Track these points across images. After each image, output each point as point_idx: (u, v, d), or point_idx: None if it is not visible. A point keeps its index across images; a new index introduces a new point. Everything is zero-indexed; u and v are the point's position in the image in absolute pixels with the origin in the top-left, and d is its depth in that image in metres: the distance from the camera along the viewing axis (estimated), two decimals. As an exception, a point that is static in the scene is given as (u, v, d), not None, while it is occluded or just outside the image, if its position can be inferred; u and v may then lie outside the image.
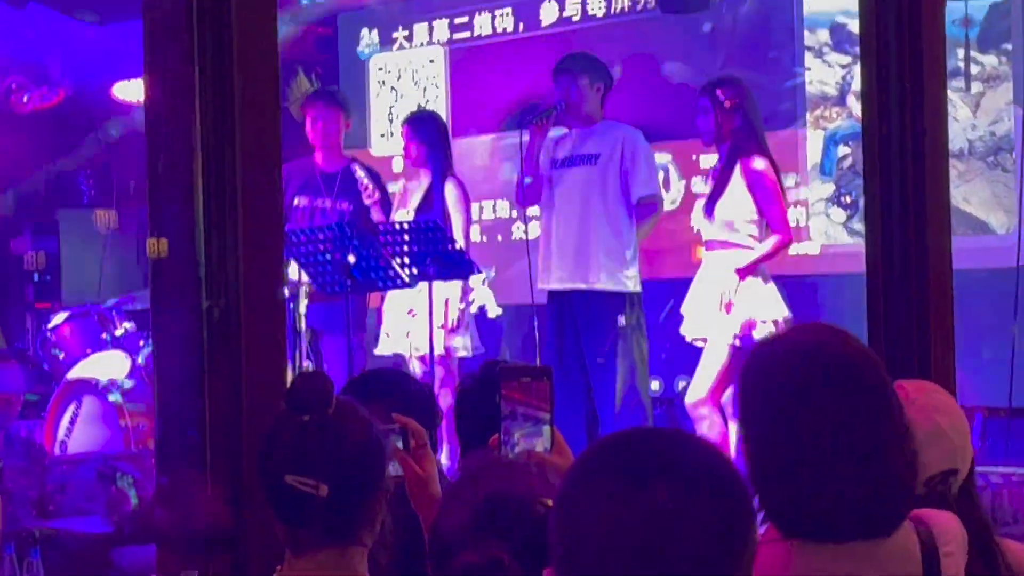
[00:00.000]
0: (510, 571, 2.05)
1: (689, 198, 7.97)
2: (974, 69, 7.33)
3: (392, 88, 9.59)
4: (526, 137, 6.78)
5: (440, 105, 9.16)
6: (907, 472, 2.12)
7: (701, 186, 7.88)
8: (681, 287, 6.82)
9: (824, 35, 7.86)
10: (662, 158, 7.77)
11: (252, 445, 3.32)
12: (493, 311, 7.60)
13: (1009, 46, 7.26)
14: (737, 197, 6.40)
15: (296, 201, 7.12)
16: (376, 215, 7.04)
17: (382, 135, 9.61)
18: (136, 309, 7.68)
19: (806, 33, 7.90)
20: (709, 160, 7.81)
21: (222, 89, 3.43)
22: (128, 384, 7.20)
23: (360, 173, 7.09)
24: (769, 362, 2.17)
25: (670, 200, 7.92)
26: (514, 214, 8.80)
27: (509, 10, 8.98)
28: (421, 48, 9.41)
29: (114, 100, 9.60)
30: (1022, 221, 6.45)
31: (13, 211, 9.68)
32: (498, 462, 2.36)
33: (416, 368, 7.03)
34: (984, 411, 6.87)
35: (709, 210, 6.49)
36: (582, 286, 6.66)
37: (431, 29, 9.36)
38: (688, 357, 6.71)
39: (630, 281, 6.63)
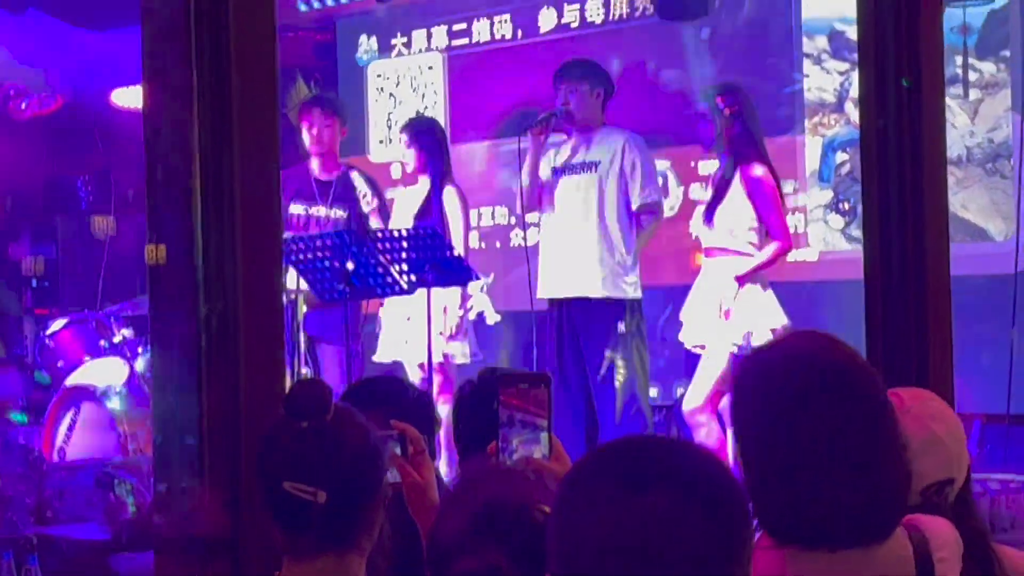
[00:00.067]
0: (508, 578, 2.05)
1: (687, 205, 7.98)
2: (972, 76, 7.33)
3: (391, 94, 9.60)
4: (525, 143, 6.78)
5: (439, 112, 9.17)
6: (901, 479, 2.12)
7: (699, 193, 7.89)
8: (679, 294, 6.82)
9: (822, 42, 7.86)
10: (661, 165, 7.78)
11: (250, 451, 3.32)
12: (491, 318, 7.60)
13: (1007, 53, 7.27)
14: (737, 204, 6.40)
15: (292, 208, 7.12)
16: (375, 222, 7.03)
17: (381, 141, 9.61)
18: (134, 315, 7.68)
19: (804, 40, 7.91)
20: (708, 167, 7.82)
21: (220, 96, 3.44)
22: (126, 391, 7.20)
23: (358, 180, 7.09)
24: (763, 369, 2.17)
25: (668, 207, 7.92)
26: (512, 221, 8.81)
27: (507, 16, 8.99)
28: (420, 54, 9.42)
29: (113, 107, 9.60)
30: (1020, 228, 6.46)
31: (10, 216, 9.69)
32: (496, 469, 2.36)
33: (415, 375, 7.03)
34: (983, 417, 6.87)
35: (709, 217, 6.49)
36: (582, 293, 6.65)
37: (429, 36, 9.37)
38: (687, 364, 6.71)
39: (630, 288, 6.63)
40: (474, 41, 9.18)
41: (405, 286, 6.37)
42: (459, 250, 6.76)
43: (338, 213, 7.12)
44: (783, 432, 2.09)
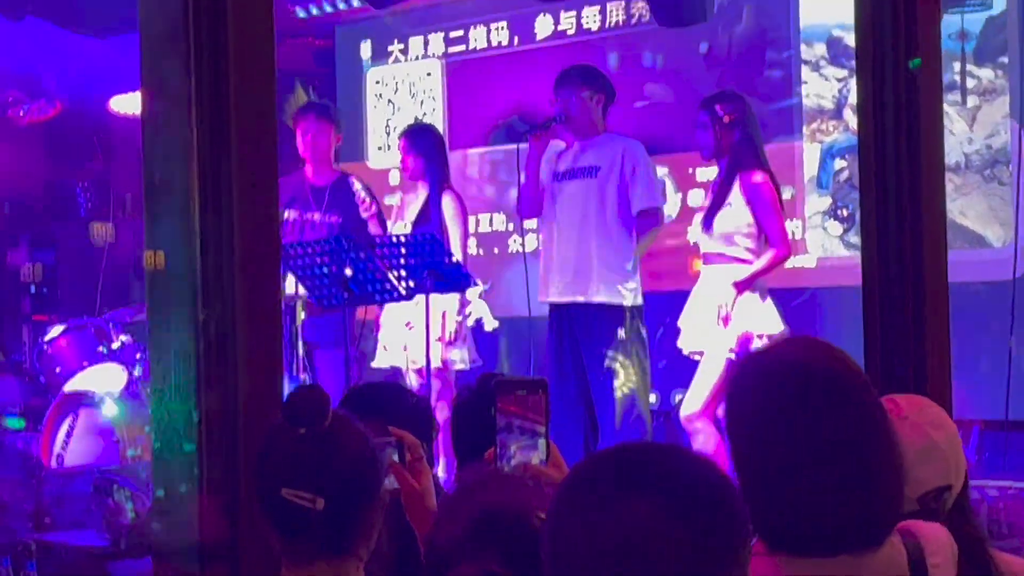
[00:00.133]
0: (505, 583, 2.05)
1: (686, 211, 7.98)
2: (970, 83, 7.34)
3: (389, 101, 9.61)
4: (524, 145, 6.78)
5: (437, 118, 9.18)
6: (895, 486, 2.12)
7: (698, 199, 7.89)
8: (677, 300, 6.82)
9: (821, 48, 7.87)
10: (659, 171, 7.79)
11: (248, 458, 3.32)
12: (490, 324, 7.60)
13: (1005, 59, 7.27)
14: (736, 211, 6.40)
15: (286, 214, 7.12)
16: (373, 228, 7.04)
17: (379, 148, 9.62)
18: (133, 321, 7.68)
19: (803, 46, 7.92)
20: (706, 173, 7.82)
21: (218, 102, 3.44)
22: (124, 397, 7.20)
23: (357, 186, 7.10)
24: (757, 376, 2.18)
25: (666, 213, 7.92)
26: (511, 227, 8.81)
27: (504, 24, 9.00)
28: (418, 61, 9.43)
29: (111, 113, 9.61)
30: (1018, 234, 6.46)
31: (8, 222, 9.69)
32: (494, 475, 2.36)
33: (413, 381, 7.03)
34: (981, 424, 6.87)
35: (707, 223, 6.49)
36: (581, 298, 6.65)
37: (427, 43, 9.38)
38: (685, 370, 6.71)
39: (630, 294, 6.62)
40: (471, 48, 9.19)
41: (403, 292, 6.37)
42: (457, 256, 6.76)
43: (332, 219, 7.12)
44: (776, 438, 2.09)
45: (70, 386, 7.43)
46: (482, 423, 2.56)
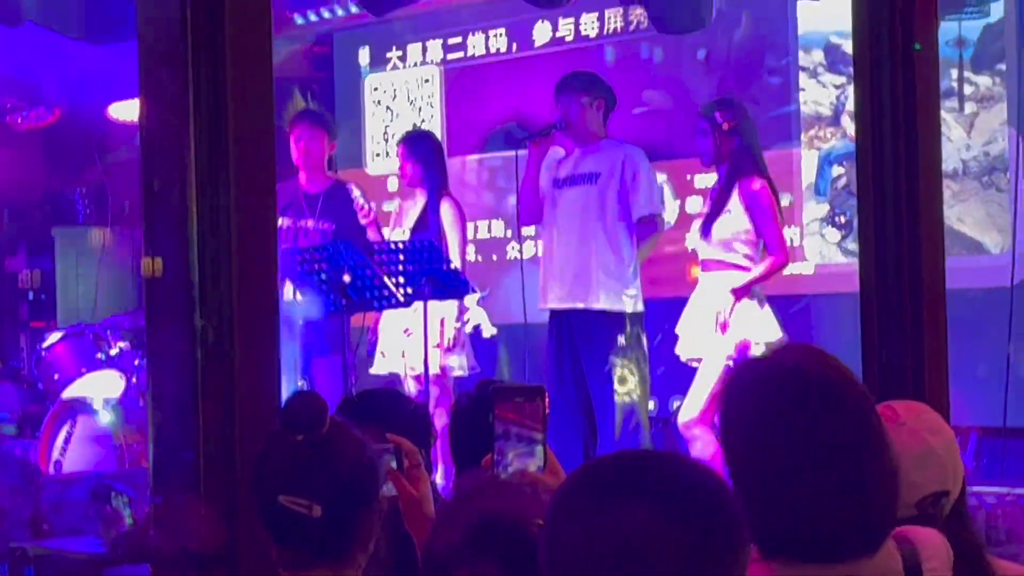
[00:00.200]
0: (503, 591, 2.06)
1: (684, 218, 7.98)
2: (968, 89, 7.34)
3: (388, 107, 9.61)
4: (523, 152, 6.77)
5: (435, 125, 9.18)
6: (890, 491, 2.12)
7: (696, 206, 7.89)
8: (674, 306, 6.82)
9: (818, 55, 7.88)
10: (657, 178, 7.79)
11: (246, 465, 3.32)
12: (488, 330, 7.60)
13: (1003, 66, 7.28)
14: (734, 218, 6.41)
15: (280, 221, 7.11)
16: (372, 234, 7.04)
17: (377, 154, 9.63)
18: (131, 328, 7.68)
19: (800, 53, 7.93)
20: (704, 180, 7.83)
21: (216, 109, 3.44)
22: (122, 403, 7.20)
23: (356, 193, 7.10)
24: (751, 383, 2.18)
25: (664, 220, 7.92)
26: (508, 233, 8.82)
27: (503, 30, 9.00)
28: (417, 68, 9.44)
29: (110, 120, 9.61)
30: (1016, 241, 6.47)
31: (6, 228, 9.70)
32: (491, 482, 2.36)
33: (412, 387, 7.03)
34: (978, 430, 6.87)
35: (706, 230, 6.50)
36: (581, 305, 6.64)
37: (425, 49, 9.39)
38: (683, 377, 6.71)
39: (630, 300, 6.61)
40: (469, 55, 9.20)
41: (402, 299, 6.37)
42: (456, 263, 6.77)
43: (325, 226, 7.12)
44: (770, 444, 2.09)
45: (68, 393, 7.43)
46: (480, 430, 2.56)
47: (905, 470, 2.18)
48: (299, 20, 9.48)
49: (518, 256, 7.61)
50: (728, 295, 6.34)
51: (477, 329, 7.50)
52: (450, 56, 9.29)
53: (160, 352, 3.54)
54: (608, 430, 6.59)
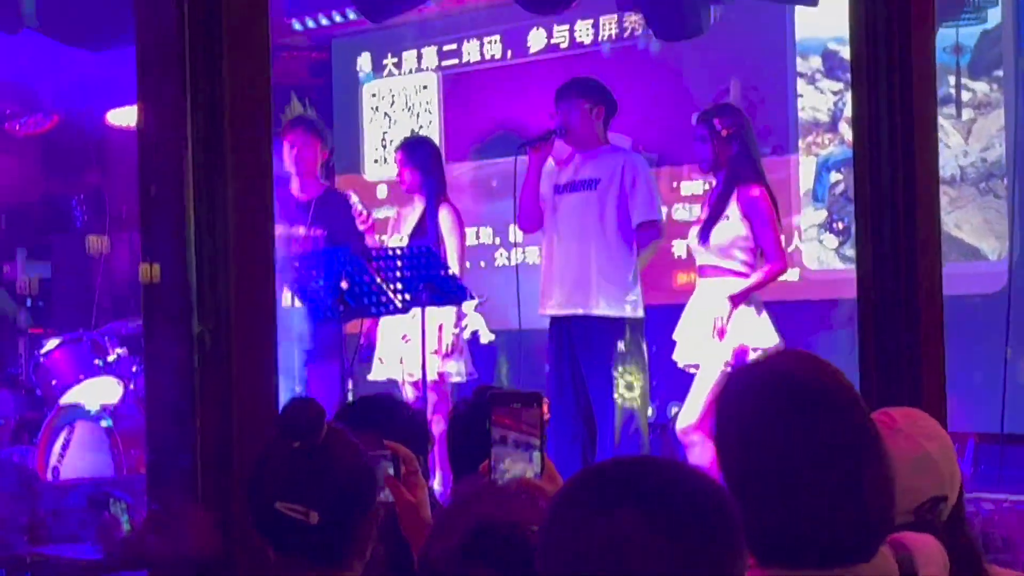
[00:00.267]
0: (500, 597, 2.06)
1: (671, 225, 7.97)
2: (965, 96, 7.35)
3: (385, 114, 9.62)
4: (523, 157, 6.77)
5: (433, 131, 9.19)
6: (885, 497, 2.12)
7: (683, 213, 7.91)
8: (665, 313, 6.82)
9: (816, 61, 7.88)
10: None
11: (243, 471, 3.31)
12: (485, 337, 7.60)
13: (1000, 73, 7.28)
14: (733, 224, 6.41)
15: (272, 228, 7.10)
16: (370, 241, 7.04)
17: (375, 161, 9.63)
18: (129, 334, 7.68)
19: (798, 59, 7.93)
20: (691, 187, 7.86)
21: (214, 115, 3.44)
22: (120, 410, 7.19)
23: (354, 199, 7.10)
24: (744, 389, 2.18)
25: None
26: (497, 240, 8.82)
27: (497, 37, 9.01)
28: (414, 74, 9.45)
29: (108, 126, 9.61)
30: (1013, 247, 6.47)
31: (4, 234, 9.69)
32: (488, 489, 2.36)
33: (409, 393, 7.03)
34: (976, 437, 6.87)
35: (704, 236, 6.50)
36: (581, 311, 6.64)
37: (420, 56, 9.39)
38: (680, 383, 6.71)
39: (630, 306, 6.61)
40: (464, 61, 9.21)
41: (399, 305, 6.37)
42: (454, 269, 6.76)
43: (317, 232, 7.12)
44: (765, 451, 2.09)
45: (66, 399, 7.43)
46: (478, 436, 2.56)
47: (901, 476, 2.17)
48: (297, 26, 9.48)
49: (507, 263, 7.62)
50: (726, 301, 6.34)
51: (475, 335, 7.50)
52: (445, 63, 9.29)
53: (158, 357, 3.54)
54: (607, 436, 6.58)
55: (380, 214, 8.08)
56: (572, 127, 6.72)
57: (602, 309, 6.59)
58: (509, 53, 8.97)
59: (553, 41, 8.81)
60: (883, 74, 4.38)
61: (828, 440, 2.08)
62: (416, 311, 6.46)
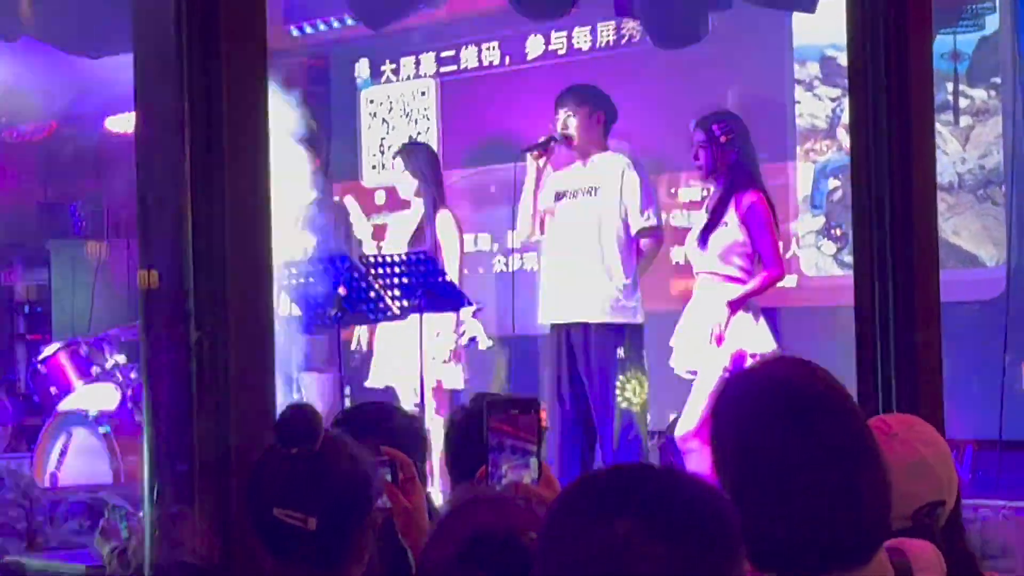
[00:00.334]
0: (497, 603, 2.05)
1: (670, 232, 7.97)
2: (963, 102, 7.35)
3: (384, 120, 9.62)
4: (522, 164, 6.77)
5: (431, 137, 9.19)
6: (882, 503, 2.12)
7: (680, 219, 7.91)
8: (662, 320, 6.82)
9: (814, 68, 7.89)
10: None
11: (241, 477, 3.31)
12: (484, 343, 7.60)
13: (998, 80, 7.29)
14: (731, 230, 6.41)
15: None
16: (367, 247, 7.04)
17: (373, 167, 9.63)
18: (127, 341, 7.68)
19: (796, 66, 7.93)
20: (688, 193, 7.86)
21: (212, 122, 3.44)
22: (118, 416, 7.19)
23: (352, 205, 7.10)
24: (740, 395, 2.18)
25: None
26: (495, 247, 8.82)
27: (495, 44, 9.01)
28: (412, 80, 9.45)
29: (106, 133, 9.61)
30: (1011, 254, 6.47)
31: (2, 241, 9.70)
32: (485, 496, 2.36)
33: (408, 400, 7.02)
34: (974, 444, 6.87)
35: (703, 242, 6.50)
36: (581, 319, 6.64)
37: (418, 63, 9.39)
38: (679, 390, 6.70)
39: (630, 314, 6.61)
40: (462, 68, 9.21)
41: (397, 312, 6.36)
42: (453, 276, 6.76)
43: (307, 240, 7.10)
44: (761, 457, 2.09)
45: (64, 405, 7.43)
46: (476, 442, 2.56)
47: (898, 481, 2.18)
48: (295, 33, 9.48)
49: (504, 269, 7.61)
50: (724, 307, 6.34)
51: (473, 341, 7.49)
52: (443, 69, 9.29)
53: (155, 364, 3.53)
54: (607, 443, 6.58)
55: (378, 220, 8.07)
56: (572, 133, 6.72)
57: (602, 316, 6.59)
58: (507, 60, 8.97)
59: (551, 48, 8.81)
60: (881, 80, 4.38)
61: (824, 445, 2.08)
62: (414, 317, 6.46)
